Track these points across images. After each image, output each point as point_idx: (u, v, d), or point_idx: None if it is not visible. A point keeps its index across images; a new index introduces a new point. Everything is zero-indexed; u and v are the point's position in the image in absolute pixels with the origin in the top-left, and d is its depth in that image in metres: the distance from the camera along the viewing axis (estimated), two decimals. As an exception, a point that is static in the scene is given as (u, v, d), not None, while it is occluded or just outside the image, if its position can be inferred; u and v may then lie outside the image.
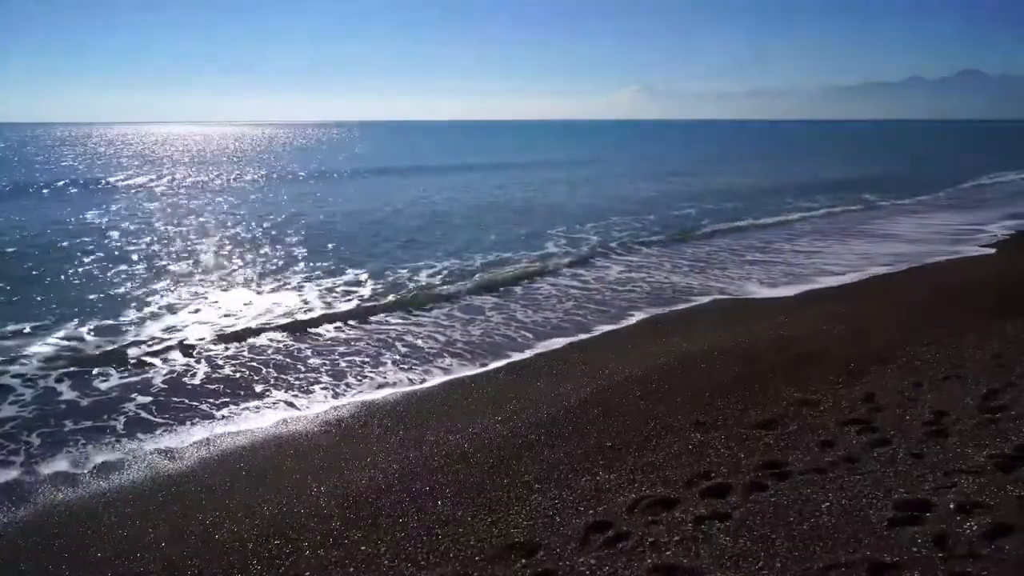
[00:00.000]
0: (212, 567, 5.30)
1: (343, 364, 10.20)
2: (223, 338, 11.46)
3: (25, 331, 11.74)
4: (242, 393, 9.13)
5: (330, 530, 5.70)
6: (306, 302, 13.86)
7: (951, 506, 4.60)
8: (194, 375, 9.80)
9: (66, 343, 11.07)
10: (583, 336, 11.44)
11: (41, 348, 10.81)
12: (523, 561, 4.81)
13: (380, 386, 9.29)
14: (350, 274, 16.43)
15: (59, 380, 9.55)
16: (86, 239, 21.12)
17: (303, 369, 10.02)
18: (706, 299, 13.69)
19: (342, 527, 5.73)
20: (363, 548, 5.36)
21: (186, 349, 10.92)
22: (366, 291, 14.73)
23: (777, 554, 4.33)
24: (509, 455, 6.86)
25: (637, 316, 12.59)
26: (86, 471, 7.09)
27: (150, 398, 8.96)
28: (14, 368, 9.95)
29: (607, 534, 4.95)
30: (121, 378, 9.68)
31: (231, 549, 5.52)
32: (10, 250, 19.05)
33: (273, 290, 14.98)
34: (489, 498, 5.97)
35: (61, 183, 35.26)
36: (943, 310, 11.46)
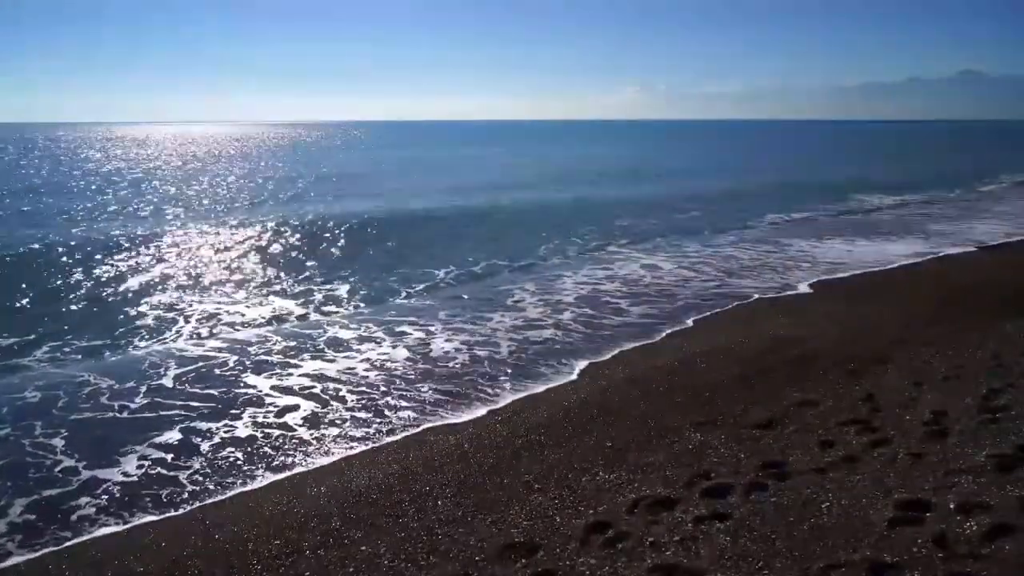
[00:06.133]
0: (212, 567, 5.30)
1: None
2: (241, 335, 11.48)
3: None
4: (242, 394, 9.14)
5: (330, 530, 5.70)
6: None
7: (951, 506, 4.60)
8: (188, 378, 9.80)
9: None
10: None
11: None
12: (523, 561, 4.81)
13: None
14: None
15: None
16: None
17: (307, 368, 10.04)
18: (709, 300, 13.69)
19: (342, 527, 5.73)
20: (363, 548, 5.36)
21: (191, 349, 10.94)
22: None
23: (777, 554, 4.33)
24: (509, 455, 6.86)
25: (636, 317, 12.58)
26: (85, 471, 7.09)
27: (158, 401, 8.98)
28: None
29: (607, 534, 4.95)
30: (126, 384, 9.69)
31: (231, 549, 5.53)
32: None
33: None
34: (489, 498, 5.97)
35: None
36: (943, 310, 11.47)
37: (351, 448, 7.46)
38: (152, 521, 6.13)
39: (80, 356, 10.75)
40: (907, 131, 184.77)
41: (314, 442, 7.63)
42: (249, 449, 7.50)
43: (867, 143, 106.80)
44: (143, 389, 9.20)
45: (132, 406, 8.68)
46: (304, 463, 7.15)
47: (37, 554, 5.69)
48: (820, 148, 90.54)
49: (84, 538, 5.89)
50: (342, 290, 15.02)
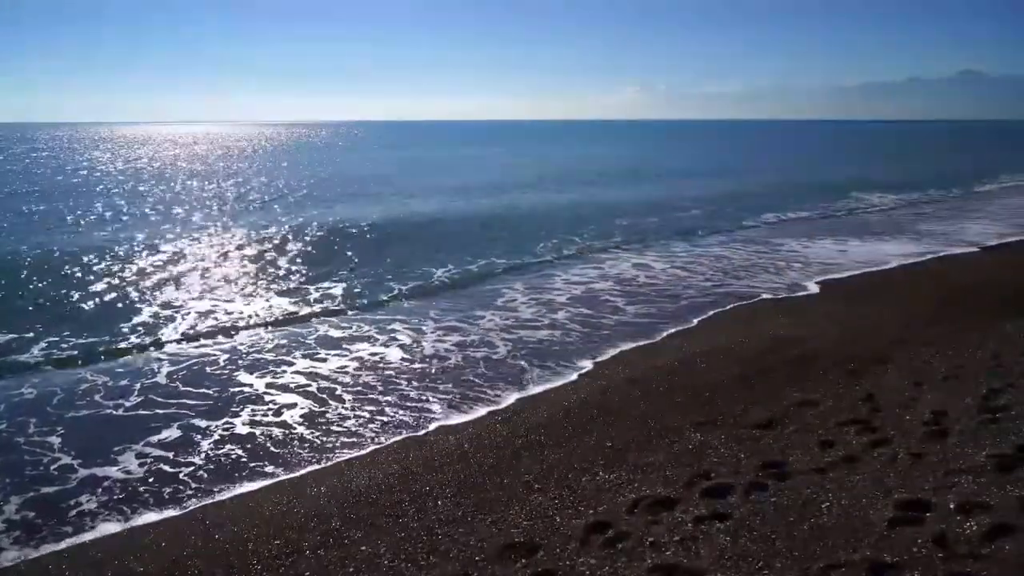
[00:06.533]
0: (212, 567, 5.30)
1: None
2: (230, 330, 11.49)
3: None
4: (238, 393, 9.14)
5: (330, 530, 5.70)
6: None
7: (951, 506, 4.60)
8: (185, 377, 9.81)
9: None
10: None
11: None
12: (523, 561, 4.81)
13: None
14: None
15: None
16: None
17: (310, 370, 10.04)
18: (707, 299, 13.68)
19: (342, 527, 5.73)
20: (363, 548, 5.36)
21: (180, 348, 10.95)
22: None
23: (777, 554, 4.33)
24: (509, 455, 6.86)
25: (637, 317, 12.58)
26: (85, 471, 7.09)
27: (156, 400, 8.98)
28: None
29: (607, 534, 4.95)
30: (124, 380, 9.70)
31: (231, 549, 5.53)
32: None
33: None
34: (489, 498, 5.97)
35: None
36: (943, 310, 11.47)
37: (351, 448, 7.46)
38: (152, 521, 6.14)
39: (76, 353, 10.79)
40: (907, 131, 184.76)
41: (314, 442, 7.63)
42: (248, 449, 7.50)
43: (867, 143, 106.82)
44: (139, 388, 9.23)
45: (128, 404, 8.72)
46: (304, 463, 7.15)
47: (37, 553, 5.69)
48: (820, 148, 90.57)
49: (84, 538, 5.89)
50: (341, 291, 15.02)
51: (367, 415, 8.31)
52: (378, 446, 7.47)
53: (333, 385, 9.27)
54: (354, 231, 23.02)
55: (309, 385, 9.27)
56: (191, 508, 6.33)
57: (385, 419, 8.19)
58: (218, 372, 9.86)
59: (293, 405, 8.63)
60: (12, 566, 5.55)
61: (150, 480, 6.87)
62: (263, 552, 5.44)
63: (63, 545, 5.79)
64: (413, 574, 4.93)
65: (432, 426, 7.95)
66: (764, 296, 13.77)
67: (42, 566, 5.50)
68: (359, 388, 9.17)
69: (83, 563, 5.49)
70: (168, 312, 13.15)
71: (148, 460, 7.28)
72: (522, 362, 10.05)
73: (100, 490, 6.67)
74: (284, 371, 9.81)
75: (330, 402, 8.71)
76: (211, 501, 6.45)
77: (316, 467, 7.05)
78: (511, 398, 8.72)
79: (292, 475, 6.89)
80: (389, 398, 8.81)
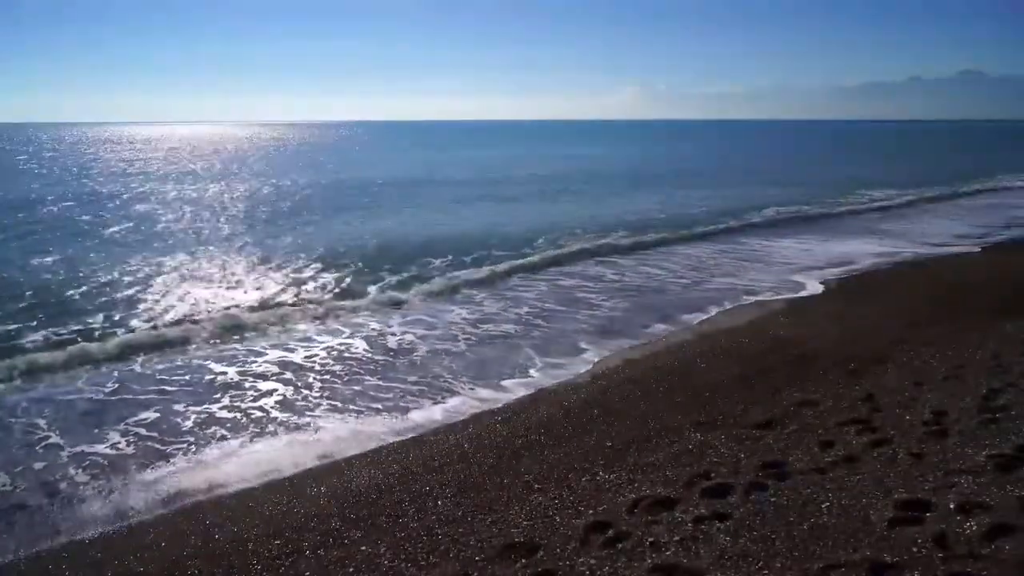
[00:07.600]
0: (212, 567, 5.30)
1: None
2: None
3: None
4: (241, 392, 9.14)
5: (330, 530, 5.70)
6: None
7: (951, 506, 4.60)
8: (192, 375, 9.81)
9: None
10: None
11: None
12: (523, 561, 4.81)
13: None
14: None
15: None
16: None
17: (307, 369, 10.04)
18: (707, 300, 13.68)
19: (342, 527, 5.73)
20: (363, 548, 5.36)
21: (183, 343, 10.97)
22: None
23: (777, 554, 4.33)
24: (509, 455, 6.86)
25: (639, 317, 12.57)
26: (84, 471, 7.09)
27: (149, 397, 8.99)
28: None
29: (607, 534, 4.95)
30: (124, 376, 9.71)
31: (231, 549, 5.53)
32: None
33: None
34: (489, 498, 5.97)
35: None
36: (943, 310, 11.47)
37: (351, 448, 7.45)
38: (152, 521, 6.13)
39: (70, 339, 11.05)
40: (907, 131, 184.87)
41: (314, 441, 7.63)
42: (247, 448, 7.50)
43: (867, 143, 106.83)
44: (132, 383, 9.25)
45: (116, 398, 8.78)
46: (303, 463, 7.15)
47: (34, 551, 5.69)
48: (820, 148, 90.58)
49: (84, 537, 5.89)
50: (333, 288, 15.02)
51: (368, 415, 8.30)
52: (378, 446, 7.46)
53: (335, 384, 9.27)
54: (351, 234, 23.01)
55: (312, 386, 9.26)
56: (191, 508, 6.32)
57: (386, 418, 8.18)
58: (197, 363, 10.07)
59: (294, 404, 8.62)
60: (12, 563, 5.55)
61: (150, 480, 6.87)
62: (263, 552, 5.44)
63: (63, 545, 5.79)
64: (413, 574, 4.92)
65: (432, 426, 7.95)
66: (762, 296, 13.76)
67: (42, 565, 5.50)
68: (361, 388, 9.15)
69: (83, 563, 5.49)
70: (151, 308, 13.20)
71: (133, 439, 7.58)
72: (518, 362, 10.05)
73: (98, 488, 6.71)
74: (289, 371, 9.80)
75: (330, 402, 8.70)
76: (211, 501, 6.44)
77: (316, 467, 7.04)
78: (510, 398, 8.72)
79: (292, 475, 6.88)
80: (390, 397, 8.80)
